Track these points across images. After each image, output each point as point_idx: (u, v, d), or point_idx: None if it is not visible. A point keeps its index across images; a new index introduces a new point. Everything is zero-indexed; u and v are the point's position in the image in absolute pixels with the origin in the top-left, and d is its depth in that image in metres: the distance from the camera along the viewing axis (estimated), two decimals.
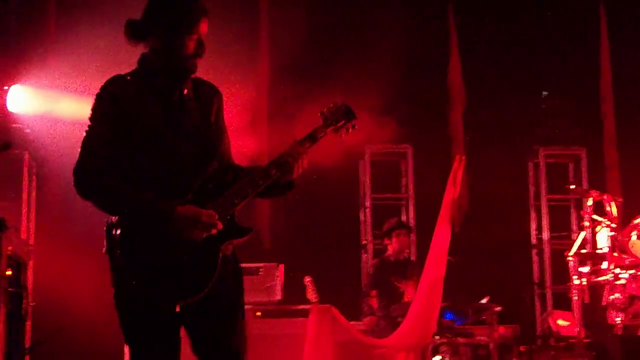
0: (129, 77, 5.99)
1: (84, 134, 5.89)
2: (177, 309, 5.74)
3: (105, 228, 5.82)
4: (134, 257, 5.69)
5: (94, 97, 5.94)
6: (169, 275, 5.69)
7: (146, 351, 5.83)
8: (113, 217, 5.81)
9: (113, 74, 5.98)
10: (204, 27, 5.91)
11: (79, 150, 5.84)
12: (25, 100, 13.26)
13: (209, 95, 6.18)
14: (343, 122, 6.36)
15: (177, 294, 5.72)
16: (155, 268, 5.67)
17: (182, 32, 5.84)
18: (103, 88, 5.94)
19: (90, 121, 5.89)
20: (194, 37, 5.87)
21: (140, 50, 6.02)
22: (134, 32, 5.90)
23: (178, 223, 5.68)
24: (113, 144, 5.82)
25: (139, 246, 5.70)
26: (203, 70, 6.09)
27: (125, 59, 6.08)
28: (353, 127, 6.41)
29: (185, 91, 6.02)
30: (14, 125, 13.22)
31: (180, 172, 5.87)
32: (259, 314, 12.33)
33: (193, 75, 6.09)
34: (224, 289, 5.88)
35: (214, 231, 5.75)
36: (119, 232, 5.72)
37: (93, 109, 5.91)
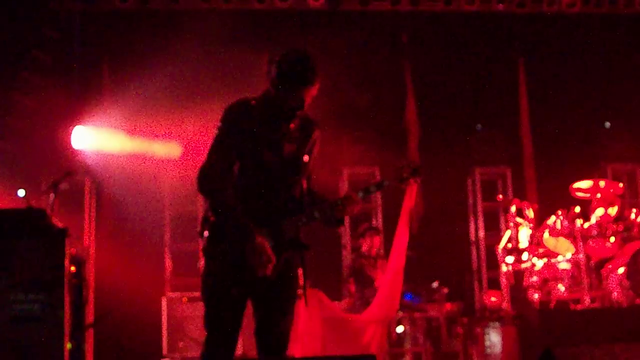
0: (253, 102, 6.00)
1: (211, 142, 5.97)
2: (234, 292, 5.83)
3: (202, 216, 5.98)
4: (216, 247, 5.86)
5: (223, 113, 6.00)
6: (239, 266, 5.77)
7: (215, 313, 5.91)
8: (210, 217, 5.91)
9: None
10: (314, 91, 5.93)
11: (206, 153, 5.94)
12: (86, 137, 13.25)
13: (310, 130, 6.15)
14: (410, 178, 6.26)
15: (241, 282, 5.82)
16: (229, 259, 5.81)
17: (293, 92, 5.86)
18: (229, 109, 5.99)
19: (217, 133, 5.95)
20: (302, 97, 5.88)
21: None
22: (268, 70, 5.95)
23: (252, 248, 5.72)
24: (230, 155, 5.88)
25: (221, 241, 5.84)
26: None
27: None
28: (415, 181, 6.36)
29: (292, 125, 6.01)
30: (78, 157, 13.21)
31: (272, 185, 5.93)
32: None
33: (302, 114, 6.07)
34: (287, 282, 6.02)
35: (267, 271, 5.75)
36: (207, 224, 5.88)
37: (220, 124, 5.97)
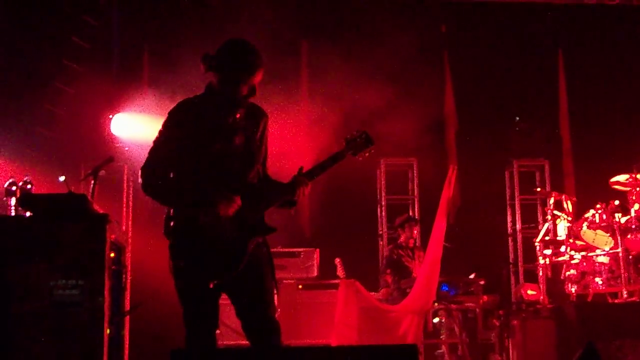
0: (196, 100, 6.07)
1: (152, 143, 6.03)
2: (211, 286, 5.84)
3: (165, 216, 5.97)
4: (182, 242, 5.83)
5: (167, 114, 6.05)
6: (207, 258, 5.78)
7: (193, 309, 5.92)
8: (170, 210, 5.94)
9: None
10: (258, 78, 5.96)
11: (147, 155, 6.03)
12: (125, 125, 13.31)
13: (258, 118, 6.18)
14: (363, 148, 6.29)
15: (213, 274, 5.83)
16: (198, 253, 5.79)
17: (238, 81, 5.88)
18: (174, 108, 6.05)
19: (159, 133, 6.00)
20: (247, 85, 5.90)
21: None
22: (206, 64, 5.95)
23: (220, 218, 5.78)
24: (174, 153, 5.92)
25: (186, 234, 5.82)
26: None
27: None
28: (370, 152, 6.35)
29: (238, 115, 6.04)
30: (117, 144, 13.28)
31: (225, 179, 5.94)
32: (300, 287, 12.34)
33: (248, 102, 6.11)
34: (259, 268, 5.99)
35: (231, 210, 5.83)
36: (172, 223, 5.88)
37: (164, 124, 6.02)
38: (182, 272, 5.85)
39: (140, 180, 5.96)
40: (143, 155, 12.67)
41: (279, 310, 6.39)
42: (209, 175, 5.90)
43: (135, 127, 13.32)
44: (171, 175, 5.96)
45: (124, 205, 13.12)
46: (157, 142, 5.99)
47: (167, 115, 6.03)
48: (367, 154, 6.38)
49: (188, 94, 6.26)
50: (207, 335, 5.93)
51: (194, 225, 5.80)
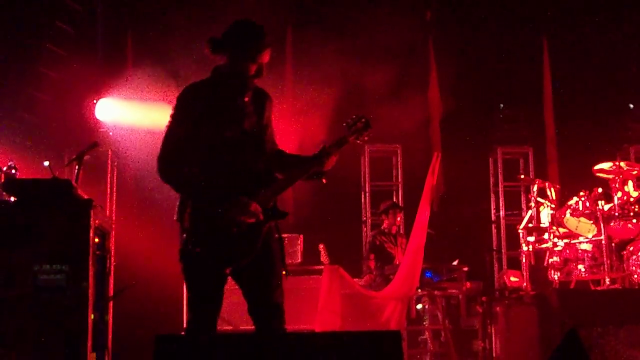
0: (203, 84, 6.07)
1: (166, 129, 5.96)
2: (227, 271, 5.87)
3: (179, 202, 5.92)
4: (198, 229, 5.79)
5: (175, 100, 6.01)
6: (223, 245, 5.78)
7: (203, 295, 5.93)
8: (188, 201, 5.90)
9: (180, 89, 6.06)
10: (266, 57, 5.99)
11: (162, 142, 5.94)
12: (109, 110, 13.31)
13: (263, 100, 6.23)
14: (363, 132, 6.32)
15: (228, 260, 5.84)
16: (215, 239, 5.77)
17: (247, 59, 5.93)
18: (182, 94, 6.02)
19: (171, 119, 5.96)
20: (256, 64, 5.94)
21: (210, 60, 6.11)
22: (213, 47, 5.99)
23: (237, 207, 5.77)
24: (188, 139, 5.88)
25: (203, 221, 5.79)
26: None
27: (193, 76, 6.17)
28: (369, 135, 6.38)
29: (247, 98, 6.07)
30: (101, 129, 13.27)
31: (240, 162, 5.97)
32: (284, 272, 12.34)
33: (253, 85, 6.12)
34: (270, 253, 6.03)
35: (245, 217, 5.80)
36: (189, 209, 5.82)
37: (174, 110, 5.98)
38: (197, 258, 5.82)
39: (157, 169, 5.88)
40: (127, 139, 12.75)
41: None
42: (224, 165, 5.91)
43: (120, 112, 13.33)
44: (188, 166, 5.88)
45: (108, 190, 13.12)
46: (170, 128, 5.94)
47: (176, 100, 6.00)
48: (366, 138, 6.42)
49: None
50: (211, 321, 5.95)
51: (210, 211, 5.79)
